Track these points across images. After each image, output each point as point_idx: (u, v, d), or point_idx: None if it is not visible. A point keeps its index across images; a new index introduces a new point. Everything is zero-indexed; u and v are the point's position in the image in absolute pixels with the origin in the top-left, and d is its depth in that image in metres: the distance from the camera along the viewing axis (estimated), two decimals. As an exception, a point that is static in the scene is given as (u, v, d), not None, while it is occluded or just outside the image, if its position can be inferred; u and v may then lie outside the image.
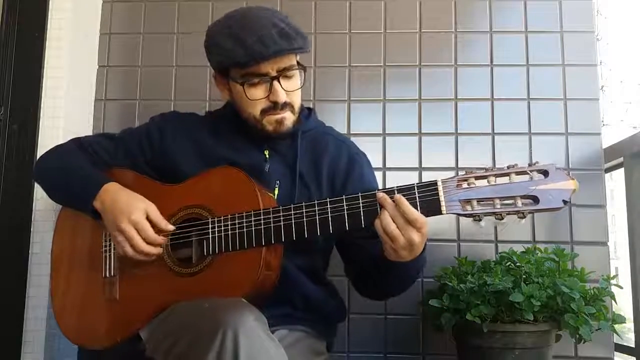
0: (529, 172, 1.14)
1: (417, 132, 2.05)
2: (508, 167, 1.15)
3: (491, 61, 2.07)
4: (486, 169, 1.16)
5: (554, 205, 1.12)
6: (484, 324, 1.55)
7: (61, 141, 1.57)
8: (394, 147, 2.04)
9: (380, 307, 1.94)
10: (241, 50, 1.31)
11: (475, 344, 1.61)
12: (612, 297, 1.70)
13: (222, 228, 1.29)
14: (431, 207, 1.17)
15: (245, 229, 1.27)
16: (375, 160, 1.88)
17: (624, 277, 1.97)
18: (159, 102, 2.11)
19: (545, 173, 1.13)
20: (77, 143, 1.52)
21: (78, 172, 1.43)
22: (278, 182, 1.41)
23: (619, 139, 2.02)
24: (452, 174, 1.36)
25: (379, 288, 1.43)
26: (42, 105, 1.90)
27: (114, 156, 1.50)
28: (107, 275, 1.39)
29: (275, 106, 1.38)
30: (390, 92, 2.07)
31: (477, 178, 1.16)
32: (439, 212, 1.17)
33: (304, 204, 1.26)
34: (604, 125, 2.17)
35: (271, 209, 1.27)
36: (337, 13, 2.13)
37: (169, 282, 1.31)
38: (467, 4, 2.11)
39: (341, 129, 1.92)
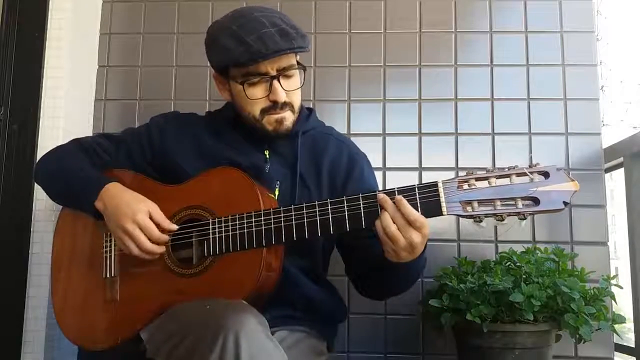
0: (529, 173, 1.14)
1: (417, 132, 2.04)
2: (509, 169, 1.15)
3: (491, 61, 2.07)
4: (487, 170, 1.17)
5: (555, 206, 1.12)
6: (484, 324, 1.55)
7: (61, 141, 1.58)
8: (394, 147, 2.04)
9: (380, 307, 1.94)
10: (241, 49, 1.31)
11: (475, 344, 1.61)
12: (612, 297, 1.70)
13: (223, 229, 1.29)
14: (432, 208, 1.17)
15: (245, 230, 1.27)
16: (375, 160, 1.89)
17: (624, 277, 1.98)
18: (159, 102, 2.11)
19: (545, 174, 1.13)
20: (78, 144, 1.52)
21: (79, 173, 1.43)
22: (278, 182, 1.41)
23: (619, 139, 2.02)
24: (452, 174, 1.36)
25: (379, 288, 1.43)
26: (42, 105, 1.89)
27: (114, 157, 1.50)
28: (108, 275, 1.39)
29: (275, 106, 1.38)
30: (390, 92, 2.07)
31: (477, 179, 1.16)
32: (440, 213, 1.17)
33: (304, 204, 1.26)
34: (604, 125, 2.17)
35: (272, 210, 1.27)
36: (337, 13, 2.13)
37: (170, 282, 1.31)
38: (467, 4, 2.11)
39: (341, 129, 1.92)
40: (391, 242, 1.17)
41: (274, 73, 1.35)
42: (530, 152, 2.01)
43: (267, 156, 1.44)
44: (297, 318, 1.38)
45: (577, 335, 1.56)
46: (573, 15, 2.07)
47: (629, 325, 1.86)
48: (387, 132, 2.05)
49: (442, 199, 1.17)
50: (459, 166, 2.01)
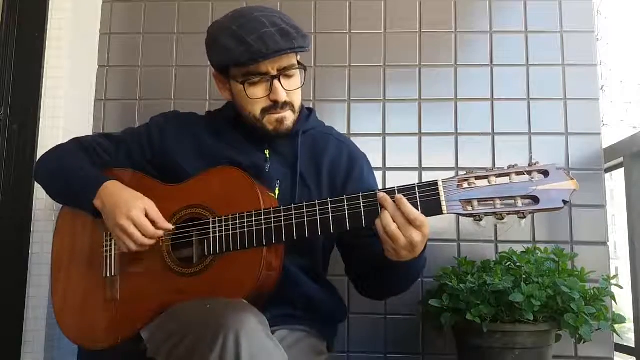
0: (529, 172, 1.14)
1: (417, 132, 2.04)
2: (508, 168, 1.16)
3: (491, 61, 2.07)
4: (487, 169, 1.17)
5: (554, 205, 1.12)
6: (484, 324, 1.55)
7: (61, 141, 1.58)
8: (394, 147, 2.04)
9: (380, 307, 1.94)
10: (242, 49, 1.32)
11: (475, 344, 1.61)
12: (612, 297, 1.70)
13: (223, 228, 1.29)
14: (432, 207, 1.17)
15: (246, 229, 1.27)
16: (375, 160, 1.89)
17: (624, 277, 1.97)
18: (159, 102, 2.11)
19: (545, 173, 1.13)
20: (78, 143, 1.52)
21: (78, 172, 1.43)
22: (278, 182, 1.42)
23: (619, 139, 2.02)
24: (452, 174, 1.36)
25: (379, 288, 1.43)
26: (42, 105, 1.89)
27: (114, 156, 1.50)
28: (108, 274, 1.39)
29: (275, 105, 1.38)
30: (390, 92, 2.07)
31: (477, 178, 1.16)
32: (440, 212, 1.17)
33: (304, 203, 1.26)
34: (604, 125, 2.17)
35: (272, 209, 1.27)
36: (337, 13, 2.13)
37: (170, 281, 1.31)
38: (467, 4, 2.11)
39: (341, 129, 1.92)
40: (391, 241, 1.17)
41: (274, 73, 1.36)
42: (530, 152, 2.01)
43: (268, 156, 1.44)
44: (297, 317, 1.38)
45: (577, 335, 1.56)
46: (573, 15, 2.07)
47: (629, 325, 1.86)
48: (387, 132, 2.05)
49: (442, 198, 1.17)
50: (459, 166, 2.01)
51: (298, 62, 1.41)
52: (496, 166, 1.18)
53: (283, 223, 1.26)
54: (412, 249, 1.18)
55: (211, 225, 1.30)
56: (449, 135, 2.04)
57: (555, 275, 1.61)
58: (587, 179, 1.95)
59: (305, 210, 1.25)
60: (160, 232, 1.32)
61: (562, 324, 1.57)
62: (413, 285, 1.40)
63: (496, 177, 1.15)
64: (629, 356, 1.95)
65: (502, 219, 1.15)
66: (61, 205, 1.52)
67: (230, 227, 1.28)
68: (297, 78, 1.41)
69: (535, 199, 1.13)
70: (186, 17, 2.17)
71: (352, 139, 1.62)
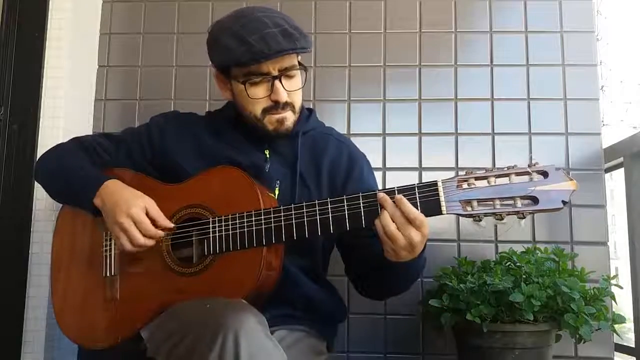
0: (528, 172, 1.14)
1: (417, 132, 2.04)
2: (508, 168, 1.16)
3: (491, 61, 2.07)
4: (486, 170, 1.17)
5: (554, 205, 1.12)
6: (484, 324, 1.55)
7: (61, 141, 1.58)
8: (394, 147, 2.04)
9: (380, 307, 1.94)
10: (243, 49, 1.32)
11: (475, 344, 1.61)
12: (612, 297, 1.70)
13: (223, 228, 1.29)
14: (431, 207, 1.17)
15: (246, 229, 1.27)
16: (375, 161, 1.89)
17: (624, 277, 1.97)
18: (159, 102, 2.11)
19: (544, 174, 1.13)
20: (78, 142, 1.52)
21: (78, 172, 1.43)
22: (278, 182, 1.42)
23: (619, 139, 2.02)
24: (452, 174, 1.36)
25: (379, 288, 1.43)
26: (42, 105, 1.89)
27: (114, 156, 1.50)
28: (108, 274, 1.39)
29: (276, 106, 1.38)
30: (390, 92, 2.07)
31: (477, 178, 1.16)
32: (439, 212, 1.17)
33: (304, 203, 1.26)
34: (604, 125, 2.17)
35: (272, 209, 1.27)
36: (337, 13, 2.13)
37: (170, 281, 1.32)
38: (467, 4, 2.11)
39: (341, 129, 1.92)
40: (391, 241, 1.17)
41: (275, 73, 1.36)
42: (530, 152, 2.01)
43: (267, 156, 1.44)
44: (296, 317, 1.38)
45: (577, 335, 1.56)
46: (573, 15, 2.07)
47: (629, 325, 1.86)
48: (387, 132, 2.05)
49: (442, 198, 1.17)
50: (459, 166, 2.01)
51: (299, 62, 1.41)
52: (496, 166, 1.18)
53: (283, 223, 1.26)
54: (412, 249, 1.18)
55: (211, 225, 1.30)
56: (449, 135, 2.04)
57: (555, 275, 1.61)
58: (587, 179, 1.95)
59: (305, 210, 1.25)
60: (161, 232, 1.32)
61: (562, 324, 1.57)
62: (413, 285, 1.40)
63: (496, 177, 1.15)
64: (629, 356, 1.95)
65: (502, 219, 1.15)
66: (61, 205, 1.52)
67: (230, 227, 1.28)
68: (298, 79, 1.41)
69: (535, 200, 1.13)
70: (186, 17, 2.17)
71: (352, 139, 1.63)
